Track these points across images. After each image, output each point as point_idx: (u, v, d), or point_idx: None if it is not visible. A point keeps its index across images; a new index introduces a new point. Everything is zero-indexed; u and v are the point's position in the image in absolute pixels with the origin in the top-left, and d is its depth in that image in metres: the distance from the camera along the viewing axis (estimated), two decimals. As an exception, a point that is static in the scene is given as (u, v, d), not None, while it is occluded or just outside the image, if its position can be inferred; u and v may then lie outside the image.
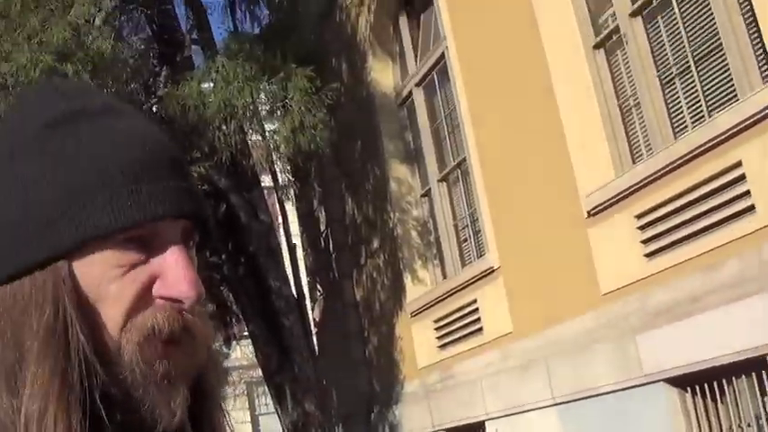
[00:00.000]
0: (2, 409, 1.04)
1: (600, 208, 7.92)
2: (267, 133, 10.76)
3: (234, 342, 15.18)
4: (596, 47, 8.39)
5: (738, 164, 6.52)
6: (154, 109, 10.34)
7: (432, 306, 11.19)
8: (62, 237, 1.07)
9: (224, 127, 9.62)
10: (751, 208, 6.46)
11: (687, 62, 7.50)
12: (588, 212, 8.04)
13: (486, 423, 9.58)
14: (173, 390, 1.10)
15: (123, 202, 1.08)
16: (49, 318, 1.05)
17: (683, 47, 7.53)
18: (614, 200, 7.77)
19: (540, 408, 8.62)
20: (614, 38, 8.29)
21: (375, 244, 12.94)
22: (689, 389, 7.12)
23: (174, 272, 1.11)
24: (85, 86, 1.33)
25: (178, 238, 1.13)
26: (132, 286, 1.09)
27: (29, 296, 1.07)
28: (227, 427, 1.23)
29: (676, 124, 7.69)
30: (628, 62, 8.18)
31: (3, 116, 1.24)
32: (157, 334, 1.09)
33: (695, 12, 7.42)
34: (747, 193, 6.47)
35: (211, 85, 9.96)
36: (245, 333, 13.60)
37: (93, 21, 9.26)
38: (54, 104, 1.16)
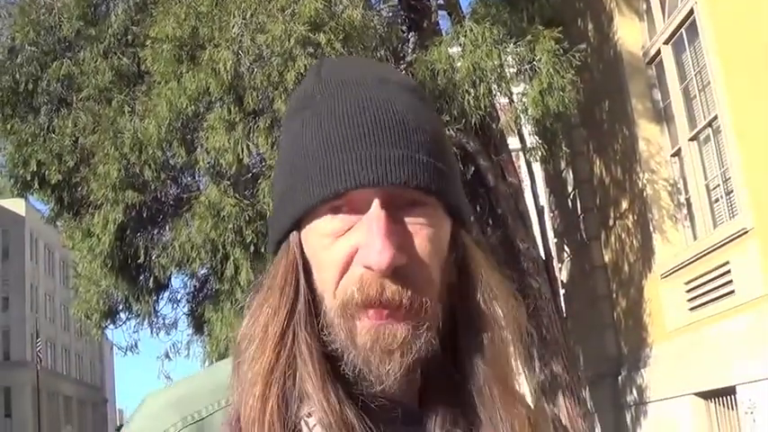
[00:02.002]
0: (248, 326, 1.28)
1: None
2: (515, 96, 10.79)
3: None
4: None
5: None
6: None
7: (682, 268, 10.99)
8: (287, 212, 1.28)
9: (472, 90, 9.68)
10: None
11: None
12: None
13: (738, 388, 9.36)
14: (385, 356, 1.21)
15: (318, 179, 1.22)
16: (285, 267, 1.28)
17: None
18: None
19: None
20: None
21: (623, 205, 12.80)
22: None
23: (367, 241, 1.20)
24: (341, 64, 1.39)
25: (372, 205, 1.21)
26: (338, 255, 1.23)
27: (283, 251, 1.30)
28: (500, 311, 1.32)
29: None
30: None
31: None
32: (353, 301, 1.20)
33: None
34: None
35: (459, 49, 10.06)
36: (493, 294, 13.72)
37: (343, -10, 9.50)
38: (306, 86, 1.34)
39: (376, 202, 1.20)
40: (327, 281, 1.23)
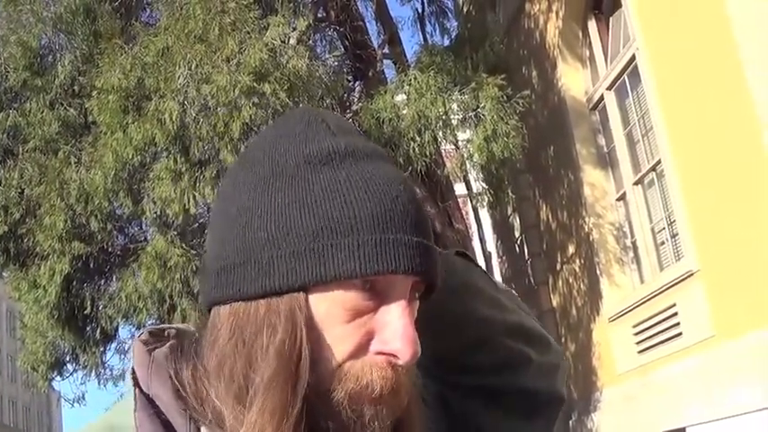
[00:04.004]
0: (233, 415, 1.12)
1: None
2: (460, 143, 10.86)
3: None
4: (792, 41, 8.15)
5: None
6: (349, 123, 10.56)
7: (630, 311, 11.07)
8: (305, 270, 1.12)
9: (418, 138, 9.74)
10: None
11: None
12: (790, 211, 7.82)
13: (688, 429, 9.42)
14: None
15: (369, 250, 1.11)
16: (283, 344, 1.11)
17: None
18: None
19: (744, 414, 8.42)
20: (812, 31, 8.04)
21: (570, 249, 12.89)
22: None
23: (395, 328, 1.14)
24: (347, 125, 1.30)
25: (407, 293, 1.16)
26: (355, 334, 1.14)
27: (262, 319, 1.13)
28: None
29: None
30: (827, 55, 7.92)
31: (263, 135, 1.29)
32: (368, 390, 1.13)
33: None
34: None
35: (404, 97, 10.12)
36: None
37: (288, 41, 9.52)
38: (320, 140, 1.20)
39: (407, 290, 1.16)
40: (333, 357, 1.14)
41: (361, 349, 1.14)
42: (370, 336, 1.15)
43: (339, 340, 1.14)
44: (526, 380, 1.45)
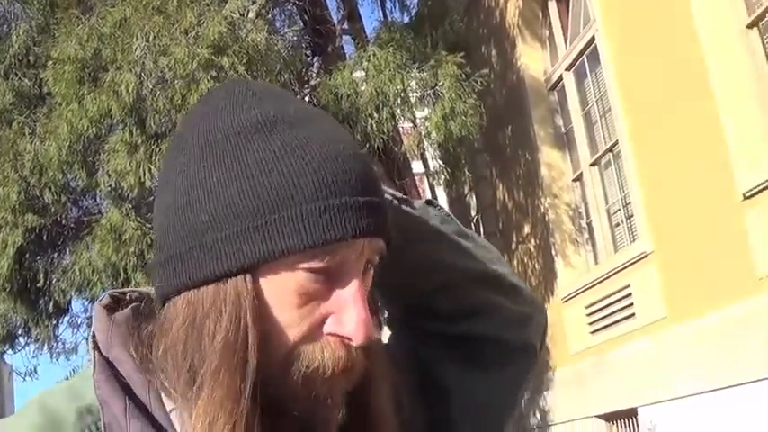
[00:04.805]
0: (183, 403, 1.12)
1: (756, 190, 7.73)
2: (418, 120, 10.83)
3: (384, 327, 15.32)
4: (750, 26, 8.17)
5: None
6: (307, 99, 10.52)
7: (583, 291, 11.12)
8: (250, 250, 1.08)
9: (376, 115, 9.70)
10: None
11: None
12: (744, 195, 7.86)
13: (639, 409, 9.49)
14: (332, 408, 1.14)
15: (314, 220, 1.07)
16: (228, 330, 1.08)
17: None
18: (770, 181, 7.57)
19: (694, 394, 8.49)
20: (768, 17, 8.08)
21: (526, 229, 12.92)
22: None
23: (350, 311, 1.11)
24: (276, 90, 1.24)
25: (360, 267, 1.14)
26: (308, 318, 1.12)
27: (210, 305, 1.10)
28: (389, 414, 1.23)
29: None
30: (784, 41, 7.97)
31: (190, 114, 1.24)
32: (320, 372, 1.11)
33: None
34: None
35: (363, 74, 10.08)
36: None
37: (247, 14, 9.46)
38: (247, 110, 1.15)
39: (360, 263, 1.14)
40: (285, 341, 1.12)
41: (313, 332, 1.12)
42: (324, 318, 1.13)
43: (291, 324, 1.11)
44: (493, 327, 1.44)
